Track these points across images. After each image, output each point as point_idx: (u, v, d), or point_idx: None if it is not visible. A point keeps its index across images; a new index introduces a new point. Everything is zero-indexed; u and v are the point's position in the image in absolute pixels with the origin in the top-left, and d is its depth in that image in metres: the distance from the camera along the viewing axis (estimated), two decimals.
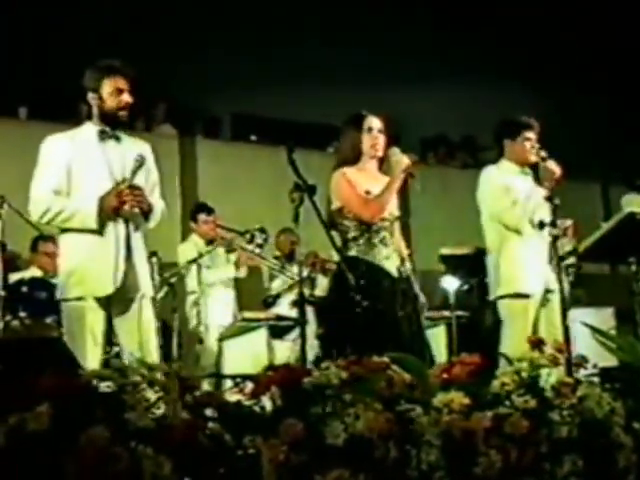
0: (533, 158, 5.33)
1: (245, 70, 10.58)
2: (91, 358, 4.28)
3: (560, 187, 5.28)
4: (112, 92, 4.42)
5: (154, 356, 4.42)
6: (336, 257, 6.30)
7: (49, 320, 6.16)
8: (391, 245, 4.87)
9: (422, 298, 4.95)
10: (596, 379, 3.39)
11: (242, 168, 10.40)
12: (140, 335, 4.43)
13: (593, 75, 11.00)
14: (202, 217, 7.97)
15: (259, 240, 7.70)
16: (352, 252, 4.80)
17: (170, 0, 10.18)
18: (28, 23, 9.33)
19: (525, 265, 5.25)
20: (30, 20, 9.35)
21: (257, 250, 7.74)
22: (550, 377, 3.32)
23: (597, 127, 11.47)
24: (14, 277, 6.58)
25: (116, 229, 4.44)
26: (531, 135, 5.42)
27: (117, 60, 4.53)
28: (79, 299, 4.40)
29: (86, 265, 4.43)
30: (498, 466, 2.98)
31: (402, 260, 4.91)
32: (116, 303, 4.47)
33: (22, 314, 6.10)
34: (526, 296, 5.26)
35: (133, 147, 4.55)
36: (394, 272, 4.81)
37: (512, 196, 5.31)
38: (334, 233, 4.76)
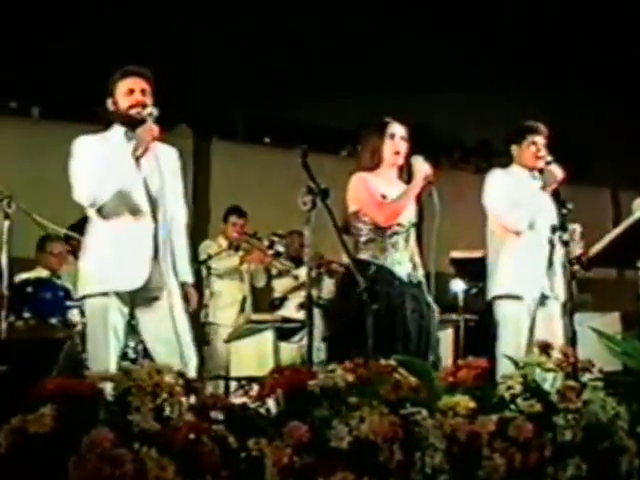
0: (539, 162, 5.35)
1: (260, 72, 10.58)
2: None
3: (569, 192, 5.27)
4: (124, 93, 4.42)
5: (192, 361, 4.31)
6: (345, 259, 6.29)
7: (54, 321, 6.14)
8: (404, 251, 4.87)
9: (434, 306, 4.91)
10: (601, 383, 3.39)
11: (255, 170, 10.40)
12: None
13: (605, 80, 10.97)
14: (232, 219, 7.89)
15: (279, 248, 7.65)
16: (363, 255, 4.81)
17: (182, 1, 10.18)
18: (41, 23, 9.34)
19: (520, 268, 5.24)
20: (43, 20, 9.35)
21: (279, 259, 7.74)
22: (556, 381, 3.32)
23: (608, 132, 11.43)
24: (20, 277, 6.59)
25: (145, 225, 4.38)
26: (537, 139, 5.43)
27: (133, 64, 4.51)
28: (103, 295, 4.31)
29: (114, 258, 4.34)
30: (502, 470, 2.98)
31: (414, 266, 4.91)
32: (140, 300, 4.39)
33: (26, 314, 6.07)
34: (519, 298, 5.24)
35: (158, 151, 4.49)
36: (404, 277, 4.82)
37: (514, 198, 5.30)
38: (347, 237, 4.74)
